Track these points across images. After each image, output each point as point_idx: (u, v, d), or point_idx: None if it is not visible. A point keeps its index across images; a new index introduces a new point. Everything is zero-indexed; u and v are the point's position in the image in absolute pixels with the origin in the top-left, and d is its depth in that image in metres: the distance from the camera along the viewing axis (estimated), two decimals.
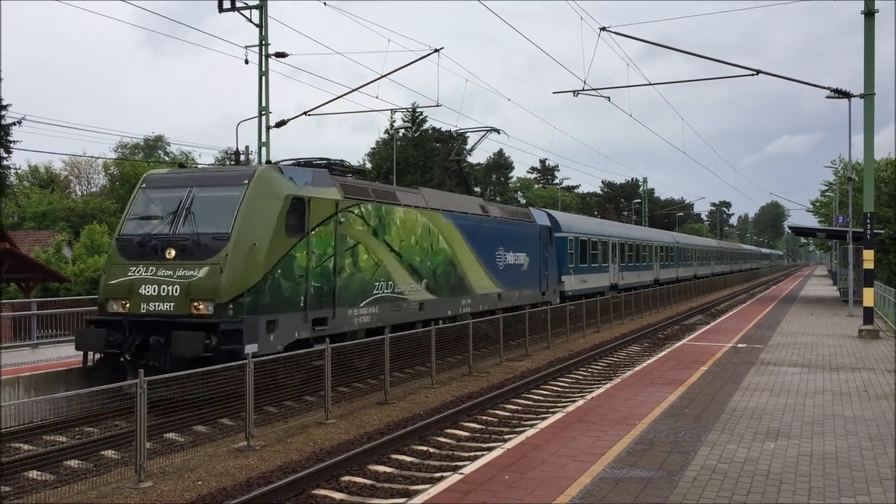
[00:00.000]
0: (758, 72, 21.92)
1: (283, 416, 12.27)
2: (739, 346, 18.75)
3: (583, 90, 24.22)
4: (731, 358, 16.44)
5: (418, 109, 56.50)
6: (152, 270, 12.42)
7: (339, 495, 8.55)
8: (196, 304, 12.08)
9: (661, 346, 21.99)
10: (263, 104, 24.85)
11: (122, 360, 12.37)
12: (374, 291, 15.51)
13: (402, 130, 61.31)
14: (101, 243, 40.21)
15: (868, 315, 20.88)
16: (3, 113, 29.67)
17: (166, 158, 64.16)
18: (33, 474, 8.89)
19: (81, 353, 12.80)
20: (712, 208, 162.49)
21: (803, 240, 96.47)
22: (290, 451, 10.32)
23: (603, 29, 21.69)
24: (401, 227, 16.73)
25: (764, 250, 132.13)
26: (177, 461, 9.71)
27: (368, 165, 60.35)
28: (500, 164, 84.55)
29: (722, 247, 74.07)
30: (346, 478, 9.10)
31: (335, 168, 15.74)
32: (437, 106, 25.99)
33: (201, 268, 12.20)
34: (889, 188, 41.87)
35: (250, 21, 24.51)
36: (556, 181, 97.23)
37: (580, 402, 11.65)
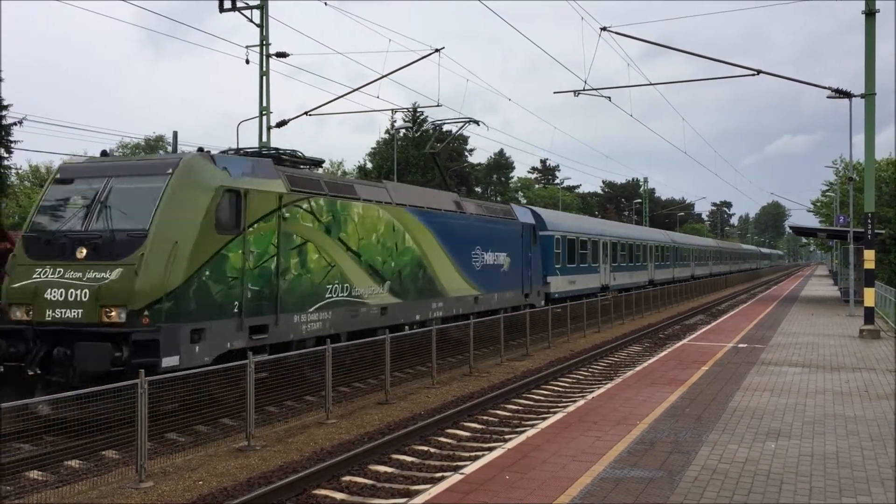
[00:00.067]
0: (759, 72, 21.92)
1: (284, 416, 12.25)
2: (740, 346, 18.74)
3: (583, 90, 24.23)
4: (732, 358, 16.43)
5: (419, 109, 56.52)
6: (60, 272, 10.95)
7: (339, 495, 8.55)
8: (107, 310, 10.61)
9: (661, 346, 21.98)
10: (264, 104, 24.92)
11: (28, 373, 10.78)
12: (327, 295, 14.09)
13: (403, 130, 61.31)
14: None
15: (869, 315, 20.89)
16: (4, 113, 29.64)
17: None
18: (34, 474, 8.89)
19: None
20: (713, 208, 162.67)
21: (804, 240, 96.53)
22: (290, 451, 10.32)
23: (604, 29, 21.70)
24: (360, 224, 15.23)
25: (764, 250, 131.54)
26: (177, 461, 9.71)
27: (369, 165, 60.42)
28: (501, 164, 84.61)
29: (720, 246, 72.65)
30: (347, 478, 9.11)
31: (285, 158, 14.37)
32: (437, 106, 26.03)
33: (114, 269, 10.75)
34: (890, 188, 41.86)
35: (251, 21, 24.55)
36: (557, 181, 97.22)
37: (581, 402, 11.65)
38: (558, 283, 27.43)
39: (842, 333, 21.69)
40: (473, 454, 10.11)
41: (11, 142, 29.52)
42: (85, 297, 10.71)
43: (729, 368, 14.85)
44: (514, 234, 23.09)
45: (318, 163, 15.72)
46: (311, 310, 13.66)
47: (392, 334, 14.44)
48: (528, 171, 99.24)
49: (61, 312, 10.79)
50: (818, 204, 66.79)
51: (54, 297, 10.85)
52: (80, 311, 10.71)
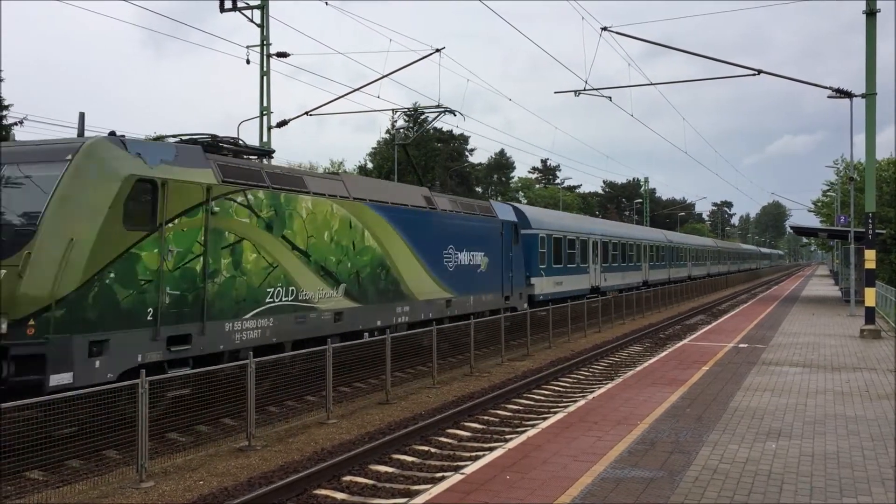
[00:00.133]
0: (759, 72, 21.92)
1: (285, 416, 12.25)
2: (741, 346, 18.74)
3: (584, 90, 24.25)
4: (733, 358, 16.43)
5: (419, 109, 56.54)
6: None
7: (340, 495, 8.56)
8: None
9: (662, 346, 21.98)
10: (265, 104, 24.95)
11: None
12: (268, 300, 12.59)
13: (404, 130, 61.33)
14: None
15: (870, 315, 20.89)
16: (5, 113, 29.68)
17: None
18: (35, 474, 8.89)
19: None
20: (714, 208, 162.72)
21: (805, 240, 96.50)
22: (291, 450, 10.33)
23: (604, 29, 21.72)
24: (309, 221, 13.73)
25: (764, 250, 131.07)
26: (178, 461, 9.72)
27: (370, 165, 60.46)
28: (502, 164, 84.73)
29: (719, 246, 71.59)
30: (348, 478, 9.11)
31: (227, 147, 12.96)
32: (438, 106, 26.00)
33: None
34: (891, 188, 41.85)
35: (252, 21, 24.58)
36: (558, 181, 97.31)
37: (581, 402, 11.65)
38: (543, 285, 26.06)
39: (842, 333, 21.69)
40: (474, 454, 10.11)
41: None
42: None
43: (730, 368, 14.85)
44: (493, 233, 21.69)
45: (265, 153, 14.52)
46: (247, 316, 12.16)
47: (392, 334, 14.42)
48: (529, 171, 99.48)
49: None
50: (819, 204, 66.85)
51: None
52: None
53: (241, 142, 13.43)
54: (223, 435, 11.09)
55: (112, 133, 11.01)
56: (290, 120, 25.15)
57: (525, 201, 76.56)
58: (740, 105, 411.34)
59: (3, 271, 9.31)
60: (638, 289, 35.88)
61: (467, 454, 10.28)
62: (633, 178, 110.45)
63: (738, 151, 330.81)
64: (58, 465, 9.21)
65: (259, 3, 24.57)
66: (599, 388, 13.52)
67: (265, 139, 24.78)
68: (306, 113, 25.67)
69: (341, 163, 71.09)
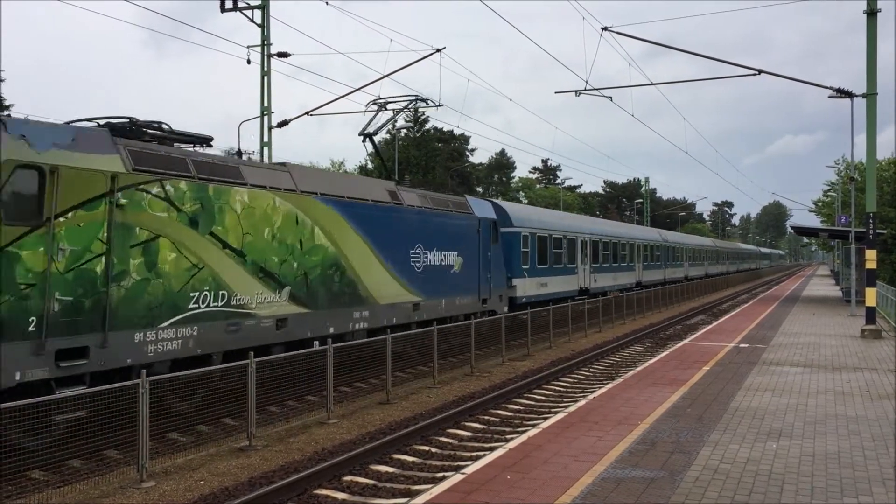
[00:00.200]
0: (760, 71, 21.91)
1: (285, 416, 12.26)
2: (742, 345, 18.73)
3: (585, 90, 24.23)
4: (734, 358, 16.43)
5: (420, 109, 56.54)
6: None
7: (341, 495, 8.56)
8: None
9: (662, 345, 21.98)
10: (265, 104, 24.95)
11: None
12: (191, 305, 11.09)
13: (404, 130, 61.36)
14: None
15: (870, 315, 20.88)
16: (5, 113, 29.69)
17: None
18: (36, 474, 8.90)
19: None
20: (714, 208, 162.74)
21: (806, 240, 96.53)
22: (291, 450, 10.34)
23: (605, 29, 21.71)
24: (245, 216, 12.21)
25: (764, 250, 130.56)
26: (179, 461, 9.73)
27: (370, 165, 60.45)
28: (502, 163, 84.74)
29: (717, 246, 70.16)
30: (348, 478, 9.12)
31: (147, 131, 11.40)
32: (439, 106, 25.99)
33: None
34: (891, 188, 41.85)
35: (252, 21, 24.59)
36: (559, 181, 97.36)
37: (582, 402, 11.65)
38: (526, 287, 24.44)
39: (843, 333, 21.68)
40: (475, 454, 10.12)
41: None
42: None
43: (730, 368, 14.85)
44: (469, 231, 20.16)
45: (202, 140, 12.50)
46: (163, 325, 10.64)
47: (393, 334, 14.41)
48: (530, 171, 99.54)
49: None
50: (820, 204, 66.89)
51: None
52: None
53: (165, 126, 11.76)
54: (224, 435, 11.10)
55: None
56: (290, 120, 25.14)
57: (526, 201, 76.60)
58: (741, 105, 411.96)
59: None
60: (631, 290, 34.74)
61: (468, 454, 10.28)
62: (634, 178, 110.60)
63: (738, 151, 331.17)
64: (58, 465, 9.23)
65: (259, 3, 24.58)
66: (600, 387, 13.52)
67: (266, 139, 24.80)
68: (307, 113, 25.66)
69: (342, 163, 71.20)
